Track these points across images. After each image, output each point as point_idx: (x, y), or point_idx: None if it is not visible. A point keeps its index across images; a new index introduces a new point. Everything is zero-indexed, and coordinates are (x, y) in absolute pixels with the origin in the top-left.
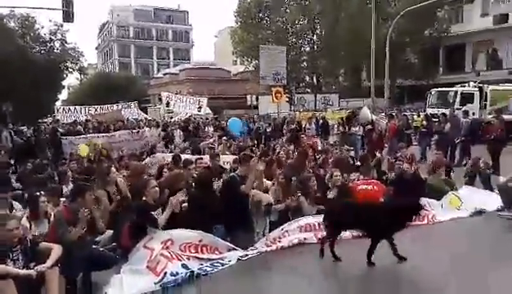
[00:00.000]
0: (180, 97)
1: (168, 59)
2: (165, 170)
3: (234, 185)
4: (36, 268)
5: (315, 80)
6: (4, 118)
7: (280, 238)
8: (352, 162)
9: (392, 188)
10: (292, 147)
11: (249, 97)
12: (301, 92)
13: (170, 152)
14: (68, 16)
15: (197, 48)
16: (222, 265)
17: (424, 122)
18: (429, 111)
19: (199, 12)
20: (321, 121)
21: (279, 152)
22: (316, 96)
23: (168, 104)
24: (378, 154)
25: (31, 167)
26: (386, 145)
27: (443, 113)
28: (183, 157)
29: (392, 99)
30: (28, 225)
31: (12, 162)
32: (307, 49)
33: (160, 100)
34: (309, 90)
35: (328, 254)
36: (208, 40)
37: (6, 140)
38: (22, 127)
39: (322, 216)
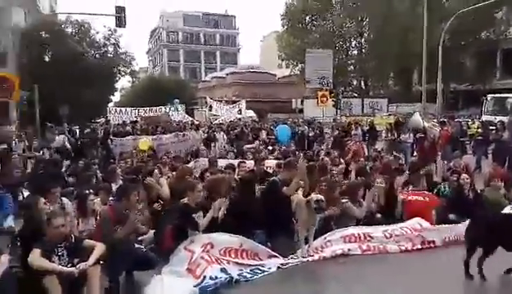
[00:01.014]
0: (220, 105)
1: (216, 63)
2: (207, 174)
3: (275, 190)
4: (78, 266)
5: (362, 84)
6: (60, 120)
7: (322, 247)
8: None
9: (446, 200)
10: (337, 153)
11: (294, 101)
12: (348, 96)
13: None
14: (120, 22)
15: (244, 52)
16: (262, 271)
17: (480, 130)
18: (485, 118)
19: (246, 16)
20: (367, 126)
21: (322, 158)
22: (363, 101)
23: (210, 109)
24: (428, 165)
25: (83, 166)
26: (439, 154)
27: (501, 121)
28: (226, 161)
29: (446, 104)
30: (76, 222)
31: (68, 162)
32: (355, 52)
33: (206, 103)
34: (356, 94)
35: (367, 268)
36: (255, 44)
37: (64, 140)
38: (75, 127)
39: (368, 226)
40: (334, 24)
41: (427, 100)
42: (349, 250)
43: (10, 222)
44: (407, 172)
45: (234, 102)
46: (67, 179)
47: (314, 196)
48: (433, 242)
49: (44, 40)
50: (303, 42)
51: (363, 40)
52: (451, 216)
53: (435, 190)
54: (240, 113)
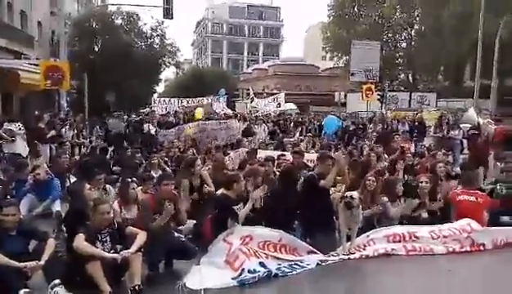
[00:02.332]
0: (259, 100)
1: (258, 54)
2: (248, 165)
3: (312, 184)
4: (121, 253)
5: (410, 78)
6: (108, 108)
7: (364, 245)
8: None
9: (500, 201)
10: (381, 149)
11: (337, 94)
12: (394, 90)
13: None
14: (168, 13)
15: (287, 44)
16: (301, 267)
17: None
18: None
19: (290, 8)
20: (415, 122)
21: (368, 153)
22: (410, 95)
23: (252, 101)
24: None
25: (127, 154)
26: (491, 152)
27: None
28: (265, 153)
29: (500, 102)
30: (118, 210)
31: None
32: (404, 45)
33: (248, 94)
34: (403, 88)
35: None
36: (298, 36)
37: (149, 128)
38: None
39: (413, 226)
40: (383, 15)
41: (479, 96)
42: (393, 249)
43: (57, 207)
44: (458, 170)
45: (273, 94)
46: (112, 167)
47: (348, 193)
48: (483, 244)
49: (94, 30)
50: (349, 33)
51: (413, 32)
52: (504, 218)
53: (487, 191)
54: (279, 106)
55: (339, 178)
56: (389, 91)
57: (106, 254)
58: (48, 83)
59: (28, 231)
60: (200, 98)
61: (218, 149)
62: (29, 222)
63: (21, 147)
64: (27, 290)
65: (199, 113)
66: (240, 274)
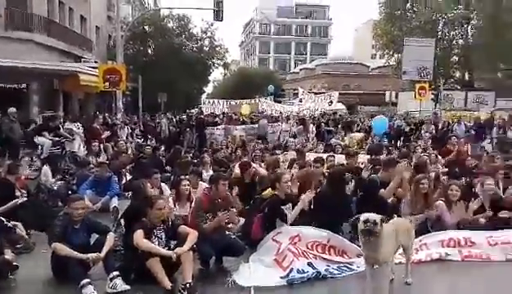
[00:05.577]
0: (311, 96)
1: (306, 54)
2: (295, 165)
3: (372, 187)
4: (175, 250)
5: (467, 76)
6: (159, 108)
7: (416, 250)
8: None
9: None
10: (436, 151)
11: (387, 93)
12: (449, 89)
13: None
14: (218, 15)
15: (336, 43)
16: (350, 269)
17: None
18: None
19: (340, 6)
20: (471, 122)
21: (421, 155)
22: (467, 94)
23: (301, 101)
24: None
25: (178, 153)
26: None
27: None
28: (315, 155)
29: None
30: (173, 206)
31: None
32: (460, 41)
33: (295, 94)
34: (458, 87)
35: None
36: (347, 34)
37: (165, 126)
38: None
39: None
40: (437, 11)
41: None
42: (447, 255)
43: (115, 202)
44: None
45: (320, 94)
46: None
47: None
48: None
49: (148, 34)
50: (401, 30)
51: (469, 27)
52: None
53: None
54: (331, 104)
55: (399, 190)
56: (444, 89)
57: (163, 251)
58: (107, 85)
59: (90, 225)
60: (248, 100)
61: (266, 151)
62: (90, 216)
63: (78, 145)
64: (88, 280)
65: (245, 108)
66: (289, 274)
